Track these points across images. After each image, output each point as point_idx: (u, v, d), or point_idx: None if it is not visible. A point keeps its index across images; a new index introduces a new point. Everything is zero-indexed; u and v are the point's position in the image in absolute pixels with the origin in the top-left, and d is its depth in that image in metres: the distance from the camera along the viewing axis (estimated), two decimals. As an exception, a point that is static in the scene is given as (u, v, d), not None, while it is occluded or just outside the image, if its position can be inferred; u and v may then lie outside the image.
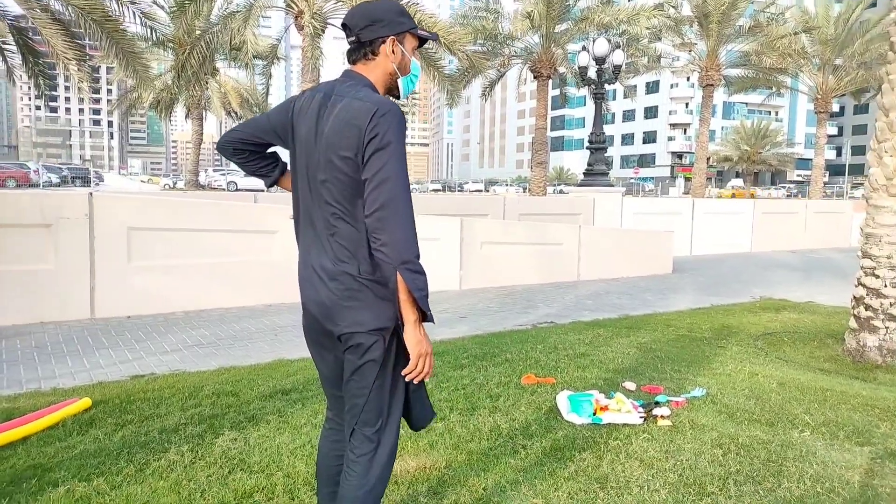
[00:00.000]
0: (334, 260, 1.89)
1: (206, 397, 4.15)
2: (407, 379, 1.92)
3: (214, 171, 49.04)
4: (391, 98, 1.98)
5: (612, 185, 14.45)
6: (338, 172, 1.84)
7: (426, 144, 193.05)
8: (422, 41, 2.04)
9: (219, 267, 7.55)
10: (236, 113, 35.74)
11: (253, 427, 3.62)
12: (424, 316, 1.88)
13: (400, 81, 2.01)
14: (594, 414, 3.81)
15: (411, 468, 3.11)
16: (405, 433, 3.42)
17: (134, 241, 7.00)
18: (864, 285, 5.67)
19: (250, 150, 2.10)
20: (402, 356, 1.93)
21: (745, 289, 9.90)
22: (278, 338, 6.22)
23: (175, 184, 48.18)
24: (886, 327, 5.50)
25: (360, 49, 1.95)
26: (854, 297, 5.80)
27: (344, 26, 1.97)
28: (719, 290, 9.83)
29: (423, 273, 1.83)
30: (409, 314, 1.85)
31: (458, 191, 68.56)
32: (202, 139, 33.74)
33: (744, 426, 3.73)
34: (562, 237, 10.33)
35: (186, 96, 30.67)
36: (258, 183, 36.20)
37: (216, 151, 2.17)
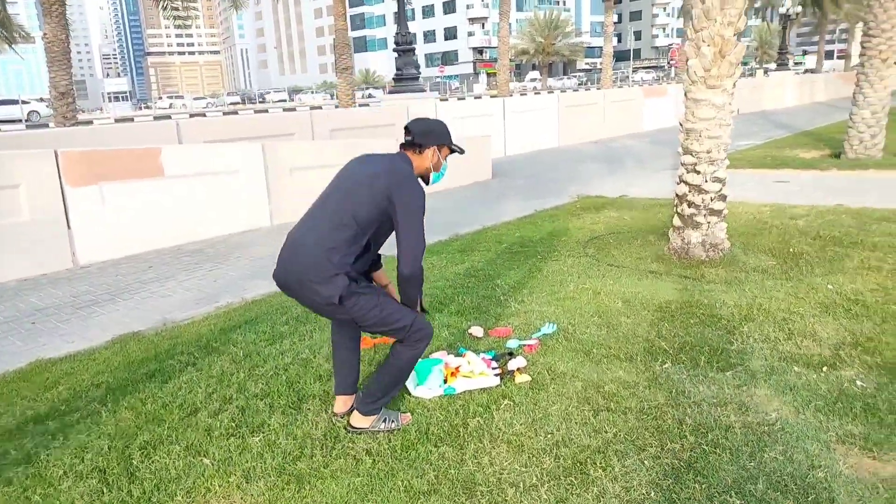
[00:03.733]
0: (319, 244, 2.64)
1: (-87, 453, 2.93)
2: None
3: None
4: (421, 179, 2.84)
5: (424, 90, 13.73)
6: (374, 207, 2.65)
7: (217, 52, 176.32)
8: (452, 150, 2.94)
9: (-57, 240, 5.77)
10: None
11: (-17, 498, 2.55)
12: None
13: (431, 175, 2.88)
14: (445, 382, 3.23)
15: (222, 521, 2.30)
16: (197, 470, 2.60)
17: None
18: (686, 182, 5.61)
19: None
20: (364, 291, 2.68)
21: (563, 188, 9.92)
22: (36, 326, 4.86)
23: None
24: (708, 222, 5.52)
25: (413, 145, 2.81)
26: (677, 195, 5.75)
27: (406, 128, 2.83)
28: (539, 192, 9.74)
29: (418, 287, 2.83)
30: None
31: (260, 101, 64.03)
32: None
33: (604, 366, 3.38)
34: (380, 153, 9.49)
35: None
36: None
37: None
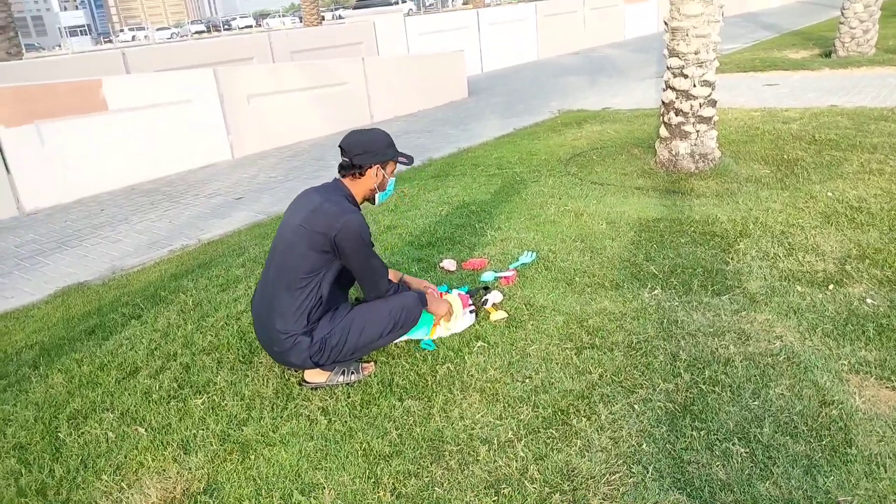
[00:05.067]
0: (271, 314, 2.48)
1: None
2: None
3: None
4: (367, 202, 2.65)
5: (392, 3, 12.85)
6: (311, 259, 2.43)
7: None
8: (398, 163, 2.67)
9: None
10: None
11: None
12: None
13: (377, 195, 2.64)
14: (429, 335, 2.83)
15: (153, 500, 2.00)
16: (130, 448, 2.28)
17: None
18: (672, 88, 5.16)
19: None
20: (328, 331, 2.47)
21: (543, 104, 9.39)
22: (-26, 282, 4.47)
23: None
24: (697, 130, 5.12)
25: (351, 168, 2.53)
26: (663, 103, 5.31)
27: (341, 147, 2.55)
28: (518, 109, 9.22)
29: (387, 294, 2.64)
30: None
31: (226, 28, 61.22)
32: None
33: (587, 296, 3.06)
34: (345, 75, 8.87)
35: None
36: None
37: None
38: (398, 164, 2.65)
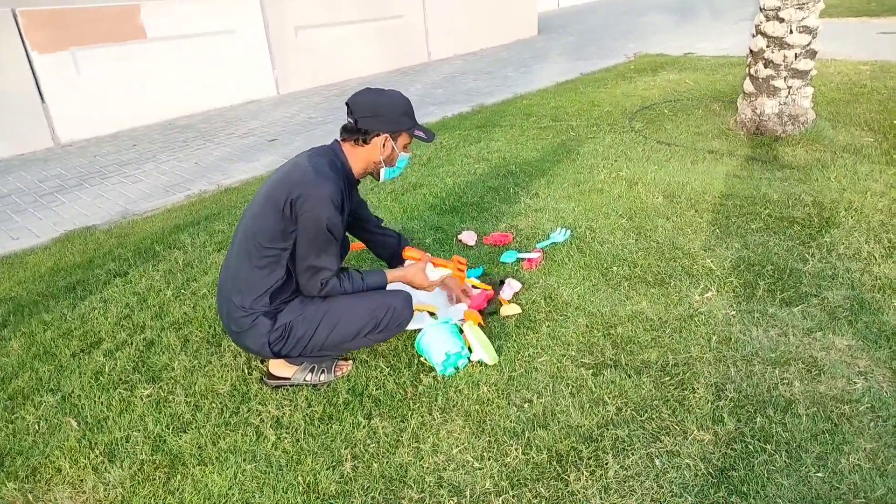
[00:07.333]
0: (229, 286, 2.08)
1: None
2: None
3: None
4: (371, 175, 2.19)
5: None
6: (280, 225, 1.98)
7: None
8: (414, 137, 2.17)
9: None
10: None
11: None
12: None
13: (382, 171, 2.16)
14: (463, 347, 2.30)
15: (57, 525, 1.68)
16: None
17: None
18: (764, 34, 4.34)
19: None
20: (295, 317, 2.04)
21: (619, 45, 8.50)
22: (-12, 219, 4.31)
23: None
24: (789, 87, 4.32)
25: (355, 133, 2.07)
26: (751, 52, 4.50)
27: (347, 105, 2.08)
28: (590, 50, 8.38)
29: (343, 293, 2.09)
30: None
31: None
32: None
33: (622, 293, 2.51)
34: (402, 7, 8.24)
35: None
36: None
37: None
38: (414, 139, 2.17)
